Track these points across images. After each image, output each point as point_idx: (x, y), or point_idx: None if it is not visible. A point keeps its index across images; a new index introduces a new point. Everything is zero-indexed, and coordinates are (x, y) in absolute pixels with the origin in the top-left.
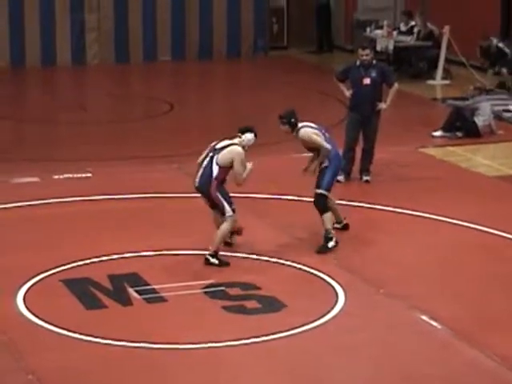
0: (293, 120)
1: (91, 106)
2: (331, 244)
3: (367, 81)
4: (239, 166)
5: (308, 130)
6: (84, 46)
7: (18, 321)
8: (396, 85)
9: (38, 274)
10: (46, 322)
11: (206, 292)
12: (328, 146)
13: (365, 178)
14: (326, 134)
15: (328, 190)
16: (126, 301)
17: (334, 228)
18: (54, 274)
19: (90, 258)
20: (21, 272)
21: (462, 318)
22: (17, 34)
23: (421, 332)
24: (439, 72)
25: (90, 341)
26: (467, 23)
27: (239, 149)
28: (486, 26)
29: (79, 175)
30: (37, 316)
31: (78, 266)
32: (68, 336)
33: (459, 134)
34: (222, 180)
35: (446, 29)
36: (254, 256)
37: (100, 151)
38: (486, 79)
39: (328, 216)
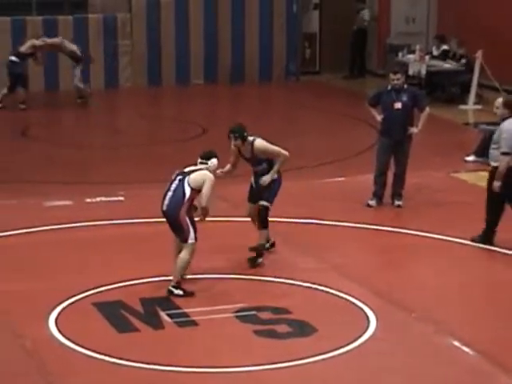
0: (245, 134)
1: (124, 129)
2: (259, 260)
3: (398, 105)
4: (209, 189)
5: (263, 141)
6: (117, 70)
7: (49, 344)
8: (427, 109)
9: (70, 297)
10: (77, 345)
11: (237, 316)
12: (286, 152)
13: (397, 202)
14: None
15: (272, 203)
16: (157, 324)
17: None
18: (85, 297)
19: (121, 282)
20: (53, 295)
21: (495, 344)
22: (51, 59)
23: (452, 358)
24: (472, 97)
25: (122, 364)
26: (500, 47)
27: (210, 174)
28: None
29: (111, 198)
30: (68, 339)
31: (110, 289)
32: (99, 359)
33: None
34: (191, 204)
35: (479, 53)
36: (285, 280)
37: (132, 174)
38: None
39: (265, 233)
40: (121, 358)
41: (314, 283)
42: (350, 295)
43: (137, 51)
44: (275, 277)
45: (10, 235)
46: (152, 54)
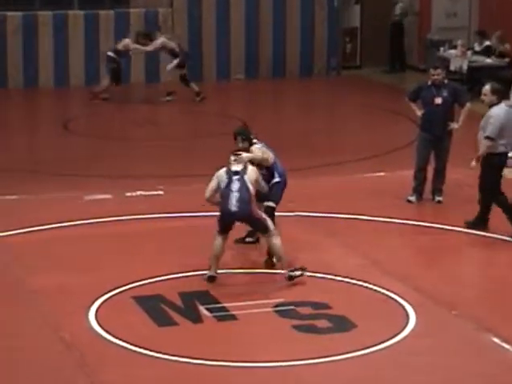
0: (251, 136)
1: (164, 124)
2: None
3: (439, 100)
4: (262, 182)
5: (256, 148)
6: (158, 64)
7: (89, 337)
8: (468, 104)
9: (110, 291)
10: (117, 338)
11: (276, 311)
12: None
13: (437, 198)
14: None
15: (277, 202)
16: (196, 318)
17: (248, 242)
18: (125, 290)
19: (161, 276)
20: (93, 288)
21: None
22: (91, 54)
23: (493, 355)
24: None
25: (161, 358)
26: None
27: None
28: None
29: (151, 192)
30: (108, 332)
31: (150, 283)
32: (138, 352)
33: None
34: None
35: None
36: (325, 275)
37: (172, 168)
38: None
39: (270, 221)
40: (160, 352)
41: (354, 278)
42: (390, 291)
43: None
44: (315, 272)
45: (50, 229)
46: (193, 49)
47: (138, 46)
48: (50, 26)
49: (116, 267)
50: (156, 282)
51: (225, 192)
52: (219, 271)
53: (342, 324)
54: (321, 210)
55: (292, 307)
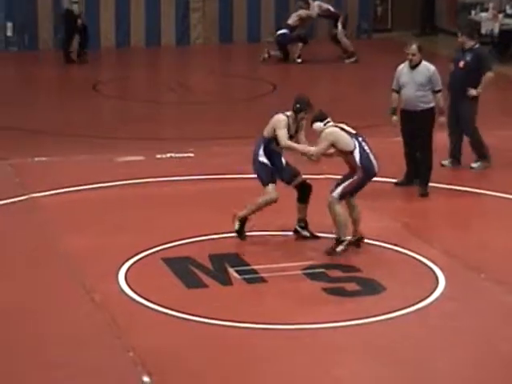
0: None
1: (194, 86)
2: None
3: (461, 64)
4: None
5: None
6: (188, 27)
7: (119, 299)
8: (490, 73)
9: (140, 253)
10: (146, 300)
11: (305, 273)
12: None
13: (471, 164)
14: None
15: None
16: (226, 281)
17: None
18: (155, 252)
19: (190, 238)
20: (123, 251)
21: None
22: (123, 15)
23: None
24: None
25: (190, 319)
26: None
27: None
28: None
29: (181, 155)
30: (138, 294)
31: (179, 245)
32: (168, 314)
33: None
34: None
35: None
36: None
37: (202, 131)
38: None
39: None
40: (189, 314)
41: (384, 242)
42: (419, 254)
43: (208, 8)
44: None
45: (80, 190)
46: (223, 11)
47: (308, 12)
48: None
49: (146, 229)
50: (186, 243)
51: (362, 154)
52: (249, 233)
53: (371, 287)
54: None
55: (322, 270)
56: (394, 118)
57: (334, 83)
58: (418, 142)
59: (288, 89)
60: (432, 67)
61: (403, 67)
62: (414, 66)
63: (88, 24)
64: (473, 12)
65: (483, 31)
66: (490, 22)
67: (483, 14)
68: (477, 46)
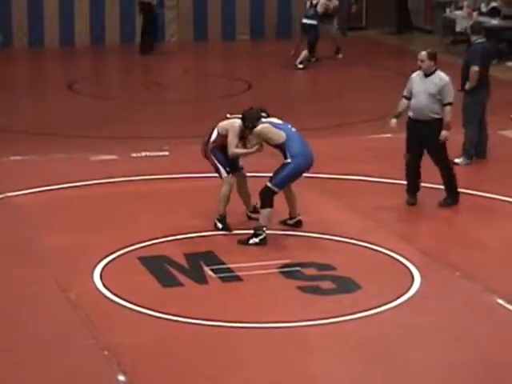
0: (255, 121)
1: (169, 85)
2: (253, 240)
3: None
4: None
5: (259, 129)
6: (163, 24)
7: (94, 297)
8: (473, 67)
9: (115, 252)
10: (122, 299)
11: (281, 272)
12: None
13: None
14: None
15: (280, 187)
16: (201, 279)
17: (287, 224)
18: (130, 251)
19: (166, 236)
20: (98, 249)
21: None
22: (96, 13)
23: (497, 316)
24: None
25: (166, 318)
26: None
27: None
28: None
29: (157, 153)
30: (113, 293)
31: (155, 243)
32: (144, 313)
33: None
34: None
35: None
36: (331, 237)
37: (177, 129)
38: None
39: (265, 212)
40: (164, 312)
41: (359, 240)
42: (395, 252)
43: (183, 6)
44: (321, 233)
45: (56, 189)
46: (198, 9)
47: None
48: None
49: (121, 228)
50: (161, 242)
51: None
52: (223, 233)
53: (346, 285)
54: (328, 172)
55: (297, 268)
56: (393, 120)
57: (310, 82)
58: (431, 156)
59: (263, 87)
60: (446, 78)
61: (416, 75)
62: (427, 75)
63: (63, 21)
64: (448, 10)
65: (458, 29)
66: (464, 19)
67: (458, 12)
68: (478, 41)
